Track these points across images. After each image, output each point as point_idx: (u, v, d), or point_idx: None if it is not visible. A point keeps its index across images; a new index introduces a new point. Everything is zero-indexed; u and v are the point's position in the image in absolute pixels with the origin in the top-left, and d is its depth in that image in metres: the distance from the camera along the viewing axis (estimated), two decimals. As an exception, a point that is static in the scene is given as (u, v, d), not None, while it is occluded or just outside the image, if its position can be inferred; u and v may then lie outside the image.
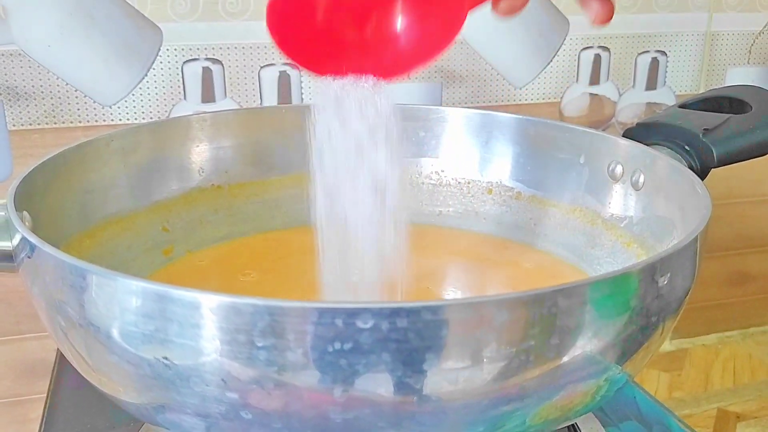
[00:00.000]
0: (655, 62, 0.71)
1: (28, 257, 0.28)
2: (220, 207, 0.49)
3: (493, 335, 0.23)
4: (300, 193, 0.52)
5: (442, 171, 0.52)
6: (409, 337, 0.22)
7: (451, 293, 0.41)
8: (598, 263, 0.43)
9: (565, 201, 0.47)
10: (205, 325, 0.23)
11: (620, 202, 0.44)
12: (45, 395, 0.45)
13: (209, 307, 0.23)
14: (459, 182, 0.52)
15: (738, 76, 0.75)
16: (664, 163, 0.41)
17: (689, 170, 0.39)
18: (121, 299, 0.24)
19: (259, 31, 0.60)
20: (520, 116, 0.50)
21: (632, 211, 0.43)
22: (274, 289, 0.41)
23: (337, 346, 0.22)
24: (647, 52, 0.71)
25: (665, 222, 0.39)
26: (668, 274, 0.27)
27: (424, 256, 0.47)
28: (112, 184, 0.43)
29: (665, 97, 0.72)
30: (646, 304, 0.26)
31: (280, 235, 0.49)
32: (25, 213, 0.33)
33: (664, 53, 0.71)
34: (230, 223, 0.49)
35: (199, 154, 0.49)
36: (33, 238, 0.27)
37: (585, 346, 0.25)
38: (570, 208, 0.47)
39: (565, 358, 0.25)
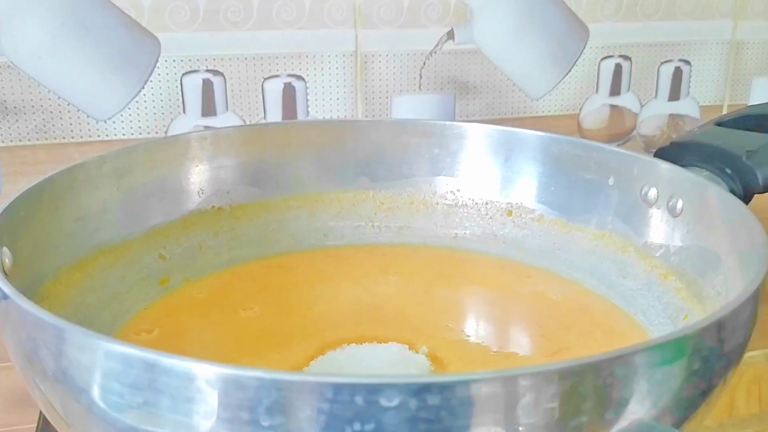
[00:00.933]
0: (678, 72, 0.68)
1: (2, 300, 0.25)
2: (221, 230, 0.46)
3: (543, 412, 0.19)
4: (306, 214, 0.49)
5: (458, 191, 0.49)
6: (442, 416, 0.19)
7: (473, 332, 0.38)
8: (631, 296, 0.40)
9: (593, 226, 0.44)
10: (202, 400, 0.19)
11: (655, 229, 0.40)
12: (35, 425, 0.41)
13: (206, 380, 0.19)
14: (476, 203, 0.49)
15: (764, 87, 0.71)
16: (707, 188, 0.37)
17: (735, 197, 0.35)
18: (104, 365, 0.21)
19: (263, 41, 0.56)
20: (543, 133, 0.46)
21: (669, 240, 0.39)
22: (277, 327, 0.38)
23: (357, 427, 0.19)
24: (670, 61, 0.67)
25: (708, 254, 0.36)
26: (732, 328, 0.24)
27: (440, 284, 0.44)
28: (104, 209, 0.40)
29: (689, 108, 0.69)
30: (710, 363, 0.23)
31: (285, 260, 0.46)
32: (4, 249, 0.30)
33: (687, 62, 0.68)
34: (231, 248, 0.46)
35: (199, 174, 0.46)
36: (5, 286, 0.24)
37: (639, 414, 0.22)
38: (598, 234, 0.44)
39: (615, 430, 0.22)
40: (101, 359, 0.21)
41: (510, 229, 0.47)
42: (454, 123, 0.49)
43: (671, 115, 0.68)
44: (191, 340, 0.37)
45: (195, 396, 0.19)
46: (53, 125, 0.54)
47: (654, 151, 0.67)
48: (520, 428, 0.20)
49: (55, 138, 0.55)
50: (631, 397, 0.21)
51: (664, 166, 0.40)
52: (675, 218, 0.39)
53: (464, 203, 0.49)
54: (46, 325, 0.22)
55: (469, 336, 0.37)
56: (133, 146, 0.42)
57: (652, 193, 0.41)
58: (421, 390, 0.18)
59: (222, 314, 0.39)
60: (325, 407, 0.19)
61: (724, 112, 0.72)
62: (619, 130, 0.67)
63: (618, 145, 0.67)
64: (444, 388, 0.19)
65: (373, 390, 0.18)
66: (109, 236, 0.40)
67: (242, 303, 0.40)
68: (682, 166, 0.41)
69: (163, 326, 0.38)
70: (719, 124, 0.44)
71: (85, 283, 0.38)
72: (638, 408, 0.21)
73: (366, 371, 0.32)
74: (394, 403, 0.18)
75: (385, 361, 0.33)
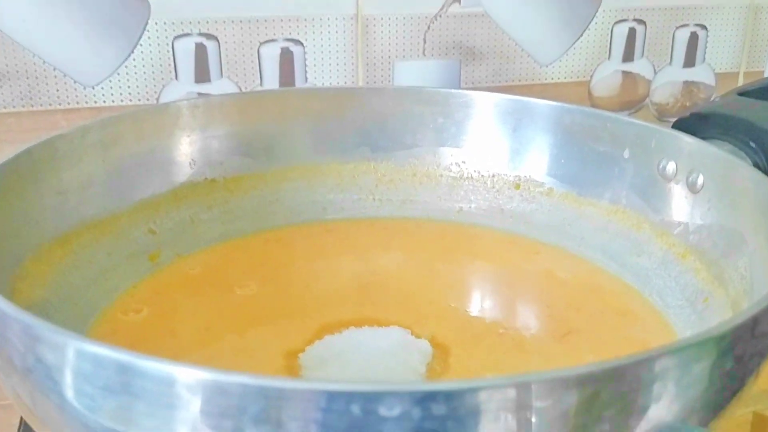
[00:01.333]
0: (694, 37, 0.64)
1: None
2: (214, 203, 0.44)
3: (561, 421, 0.17)
4: (304, 187, 0.47)
5: (464, 162, 0.47)
6: (449, 427, 0.17)
7: (478, 313, 0.36)
8: (646, 275, 0.38)
9: (605, 201, 0.42)
10: (182, 407, 0.17)
11: (673, 205, 0.38)
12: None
13: (186, 385, 0.17)
14: (482, 175, 0.46)
15: (783, 53, 0.68)
16: (730, 162, 0.35)
17: (761, 173, 0.33)
18: (74, 365, 0.19)
19: (259, 3, 0.53)
20: (555, 103, 0.44)
21: (688, 217, 0.37)
22: (274, 307, 0.36)
23: (354, 437, 0.17)
24: (686, 26, 0.64)
25: (731, 233, 0.34)
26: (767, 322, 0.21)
27: (444, 260, 0.41)
28: (88, 182, 0.38)
29: (704, 75, 0.66)
30: (743, 361, 0.21)
31: (282, 234, 0.44)
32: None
33: (704, 27, 0.65)
34: (226, 222, 0.44)
35: (191, 144, 0.43)
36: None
37: (666, 417, 0.20)
38: (611, 209, 0.41)
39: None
40: (71, 358, 0.19)
41: (518, 204, 0.45)
42: (460, 91, 0.47)
43: (686, 83, 0.65)
44: (182, 321, 0.35)
45: (174, 402, 0.17)
46: (39, 91, 0.52)
47: (669, 120, 0.64)
48: (537, 436, 0.18)
49: (41, 105, 0.52)
50: (659, 402, 0.19)
51: (685, 139, 0.37)
52: (695, 194, 0.37)
53: (470, 175, 0.46)
54: (10, 320, 0.20)
55: (473, 317, 0.35)
56: (119, 115, 0.39)
57: (671, 167, 0.38)
58: (425, 398, 0.16)
59: (216, 292, 0.37)
60: (317, 417, 0.17)
61: (741, 79, 0.69)
62: (632, 97, 0.64)
63: (630, 114, 0.64)
64: (451, 396, 0.17)
65: (372, 398, 0.16)
66: (95, 210, 0.38)
67: (237, 280, 0.38)
68: (703, 138, 0.38)
69: (153, 305, 0.36)
70: (742, 93, 0.41)
71: (68, 260, 0.36)
72: (665, 412, 0.19)
73: (365, 358, 0.30)
74: (395, 412, 0.16)
75: (386, 347, 0.31)
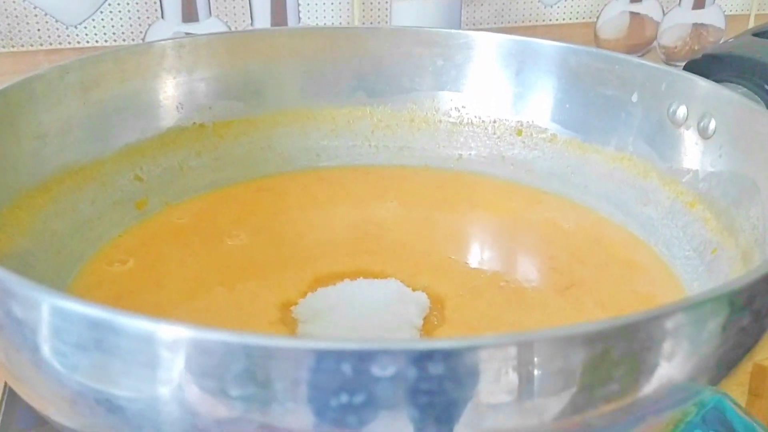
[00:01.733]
0: (705, -24, 0.62)
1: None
2: (204, 149, 0.42)
3: (565, 381, 0.16)
4: (297, 133, 0.45)
5: (464, 107, 0.45)
6: (447, 388, 0.15)
7: (478, 265, 0.34)
8: (652, 225, 0.37)
9: (611, 147, 0.40)
10: (159, 366, 0.16)
11: (682, 151, 0.36)
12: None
13: (164, 343, 0.16)
14: (483, 121, 0.44)
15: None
16: (744, 106, 0.33)
17: (777, 117, 0.31)
18: (46, 321, 0.17)
19: (248, -64, 0.50)
20: (560, 43, 0.42)
21: (698, 164, 0.35)
22: (265, 259, 0.34)
23: (344, 399, 0.15)
24: (697, -36, 0.61)
25: (743, 181, 0.32)
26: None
27: (443, 210, 0.40)
28: (69, 126, 0.36)
29: (714, 17, 0.63)
30: (760, 317, 0.20)
31: (274, 182, 0.42)
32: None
33: (716, -34, 0.62)
34: (215, 169, 0.42)
35: (177, 86, 0.41)
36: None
37: (674, 375, 0.19)
38: (617, 156, 0.40)
39: (646, 391, 0.18)
40: (42, 314, 0.17)
41: (519, 150, 0.43)
42: (460, 31, 0.44)
43: (695, 25, 0.63)
44: (170, 272, 0.34)
45: (151, 361, 0.16)
46: (20, 31, 0.49)
47: (676, 64, 0.62)
48: (538, 400, 0.16)
49: (22, 45, 0.50)
50: (670, 361, 0.18)
51: (697, 82, 0.36)
52: (706, 140, 0.35)
53: (470, 121, 0.45)
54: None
55: (473, 269, 0.34)
56: (99, 55, 0.37)
57: (681, 111, 0.36)
58: (421, 357, 0.15)
59: (205, 243, 0.36)
60: (307, 377, 0.15)
61: (752, 21, 0.66)
62: (639, 40, 0.61)
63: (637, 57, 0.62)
64: (449, 355, 0.15)
65: (364, 357, 0.15)
66: (77, 156, 0.36)
67: (227, 230, 0.37)
68: (716, 81, 0.36)
69: (139, 256, 0.35)
70: (757, 34, 0.39)
71: (49, 208, 0.34)
72: (677, 371, 0.18)
73: (360, 311, 0.29)
74: (389, 372, 0.15)
75: (381, 300, 0.30)
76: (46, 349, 0.18)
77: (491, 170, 0.44)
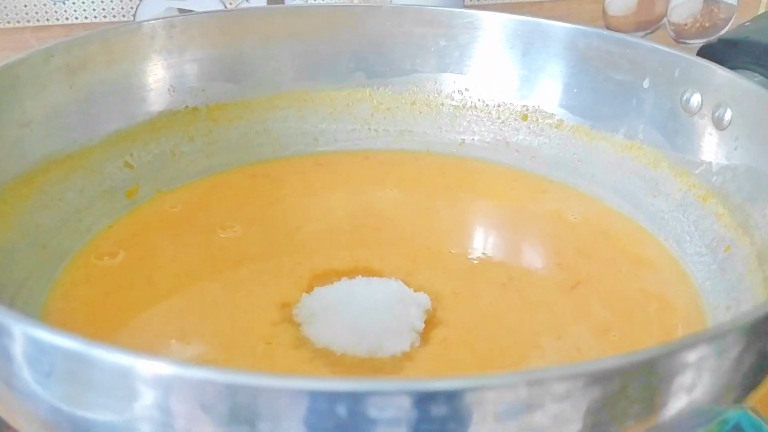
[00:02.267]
0: (719, -50, 0.59)
1: None
2: (197, 134, 0.40)
3: (580, 421, 0.15)
4: (294, 116, 0.43)
5: (467, 90, 0.43)
6: (450, 429, 0.14)
7: (480, 261, 0.33)
8: (662, 218, 0.35)
9: (620, 135, 0.38)
10: (139, 401, 0.15)
11: (695, 142, 0.35)
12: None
13: (144, 379, 0.15)
14: (487, 105, 0.43)
15: (813, -33, 0.63)
16: (762, 96, 0.31)
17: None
18: (17, 347, 0.16)
19: None
20: (569, 25, 0.40)
21: (712, 156, 0.34)
22: (261, 252, 0.33)
23: (340, 441, 0.14)
24: (711, -64, 0.59)
25: (759, 176, 0.31)
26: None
27: (445, 199, 0.38)
28: (55, 112, 0.34)
29: (727, -8, 0.61)
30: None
31: (270, 168, 0.41)
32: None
33: (730, -62, 0.59)
34: (209, 154, 0.41)
35: (168, 68, 0.39)
36: None
37: (696, 402, 0.17)
38: (626, 145, 0.38)
39: (666, 419, 0.17)
40: (16, 341, 0.16)
41: (524, 136, 0.42)
42: (464, 10, 0.43)
43: (706, 2, 0.61)
44: (161, 267, 0.32)
45: (130, 395, 0.15)
46: (5, 7, 0.47)
47: (686, 42, 0.60)
48: (551, 437, 0.15)
49: (8, 22, 0.48)
50: (686, 388, 0.17)
51: (713, 69, 0.34)
52: (721, 131, 0.33)
53: (473, 105, 0.43)
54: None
55: (475, 265, 0.33)
56: (86, 36, 0.35)
57: (695, 99, 0.35)
58: (423, 399, 0.14)
59: (198, 234, 0.35)
60: (294, 417, 0.14)
61: (765, 1, 0.64)
62: (649, 17, 0.59)
63: (646, 35, 0.60)
64: (453, 396, 0.14)
65: (359, 398, 0.14)
66: (63, 143, 0.35)
67: (221, 220, 0.35)
68: (731, 68, 0.34)
69: (130, 248, 0.33)
70: (778, 16, 0.37)
71: (35, 199, 0.33)
72: (691, 397, 0.17)
73: (359, 312, 0.28)
74: (388, 414, 0.14)
75: (382, 300, 0.28)
76: (18, 374, 0.17)
77: (495, 156, 0.42)
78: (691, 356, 0.16)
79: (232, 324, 0.29)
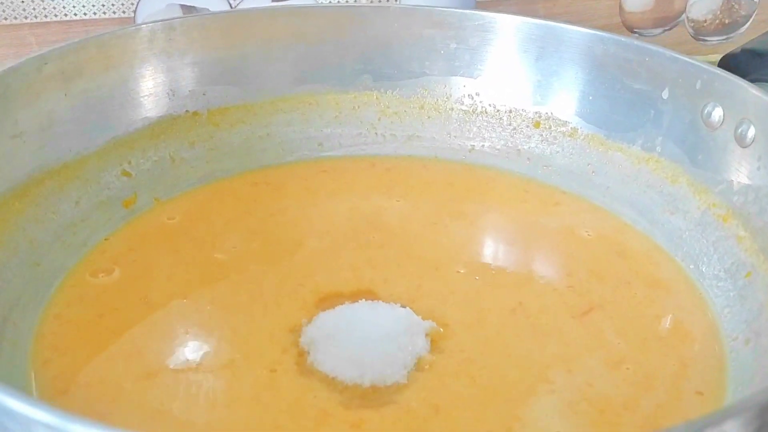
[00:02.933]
0: (741, -57, 0.57)
1: None
2: (197, 139, 0.39)
3: None
4: (298, 119, 0.42)
5: (477, 95, 0.41)
6: None
7: (489, 283, 0.31)
8: (680, 237, 0.34)
9: (637, 146, 0.37)
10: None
11: (717, 158, 0.33)
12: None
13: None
14: (498, 110, 0.41)
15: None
16: (789, 115, 0.30)
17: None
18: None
19: None
20: (586, 30, 0.38)
21: (733, 174, 0.32)
22: (262, 272, 0.32)
23: None
24: (734, -71, 0.56)
25: (785, 200, 0.29)
26: None
27: (453, 211, 0.37)
28: (49, 121, 0.33)
29: (749, -13, 0.59)
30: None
31: (273, 175, 0.40)
32: None
33: (754, -69, 0.57)
34: (210, 160, 0.39)
35: (168, 72, 0.38)
36: None
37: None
38: (643, 157, 0.37)
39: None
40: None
41: (537, 144, 0.40)
42: (476, 12, 0.41)
43: (728, -3, 0.58)
44: (159, 287, 0.31)
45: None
46: (3, 3, 0.46)
47: (705, 40, 0.58)
48: None
49: (5, 18, 0.46)
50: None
51: (737, 82, 0.32)
52: (744, 148, 0.32)
53: (484, 110, 0.41)
54: None
55: (482, 288, 0.31)
56: (81, 42, 0.34)
57: (717, 113, 0.33)
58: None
59: (197, 250, 0.33)
60: None
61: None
62: (667, 13, 0.57)
63: (664, 32, 0.58)
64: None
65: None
66: (58, 154, 0.33)
67: (221, 234, 0.34)
68: (755, 80, 0.33)
69: (126, 264, 0.32)
70: (806, 24, 0.35)
71: (28, 213, 0.32)
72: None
73: (362, 340, 0.27)
74: None
75: (386, 329, 0.27)
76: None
77: (505, 164, 0.41)
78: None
79: (233, 350, 0.28)
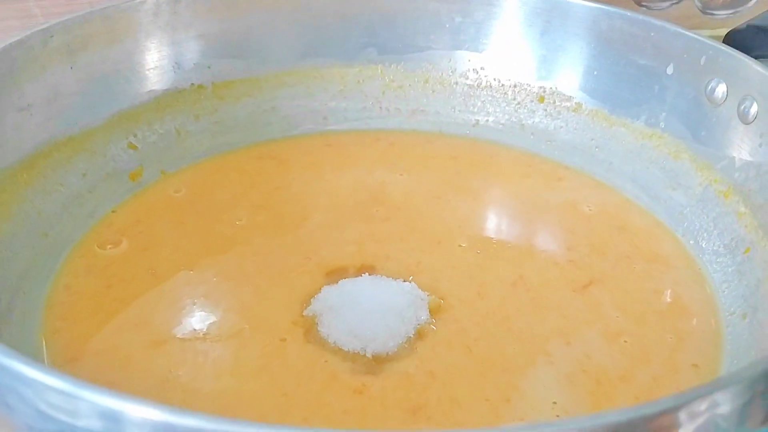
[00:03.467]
0: None
1: None
2: (203, 112, 0.39)
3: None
4: (302, 93, 0.42)
5: (482, 69, 0.41)
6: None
7: (490, 256, 0.32)
8: (681, 212, 0.34)
9: (641, 122, 0.37)
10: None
11: (719, 134, 0.33)
12: None
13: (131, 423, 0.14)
14: (503, 85, 0.41)
15: None
16: (792, 92, 0.30)
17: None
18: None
19: None
20: (592, 4, 0.38)
21: (735, 151, 0.32)
22: (266, 245, 0.32)
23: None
24: None
25: (786, 177, 0.29)
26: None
27: (456, 183, 0.37)
28: (55, 94, 0.33)
29: (759, -40, 0.58)
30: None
31: (277, 148, 0.40)
32: None
33: None
34: (215, 133, 0.40)
35: (173, 45, 0.38)
36: None
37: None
38: (646, 132, 0.37)
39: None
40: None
41: (541, 119, 0.40)
42: (482, -15, 0.41)
43: (737, -31, 0.58)
44: (166, 258, 0.31)
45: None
46: (6, -28, 0.46)
47: (713, 14, 0.58)
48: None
49: (10, -12, 0.46)
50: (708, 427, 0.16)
51: (741, 59, 0.32)
52: (746, 125, 0.32)
53: (488, 84, 0.41)
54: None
55: (484, 261, 0.32)
56: (86, 14, 0.34)
57: (721, 90, 0.33)
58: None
59: (203, 222, 0.34)
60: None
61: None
62: (675, -14, 0.57)
63: (671, 5, 0.57)
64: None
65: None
66: (64, 126, 0.34)
67: (226, 207, 0.35)
68: (761, 57, 0.33)
69: (133, 236, 0.33)
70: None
71: (35, 185, 0.32)
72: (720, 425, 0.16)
73: (363, 318, 0.27)
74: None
75: (389, 303, 0.28)
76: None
77: (509, 139, 0.41)
78: (698, 406, 0.15)
79: (241, 320, 0.28)
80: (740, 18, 0.55)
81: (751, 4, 0.59)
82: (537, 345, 0.27)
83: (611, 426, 0.14)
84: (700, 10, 0.58)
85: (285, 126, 0.41)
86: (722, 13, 0.59)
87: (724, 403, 0.15)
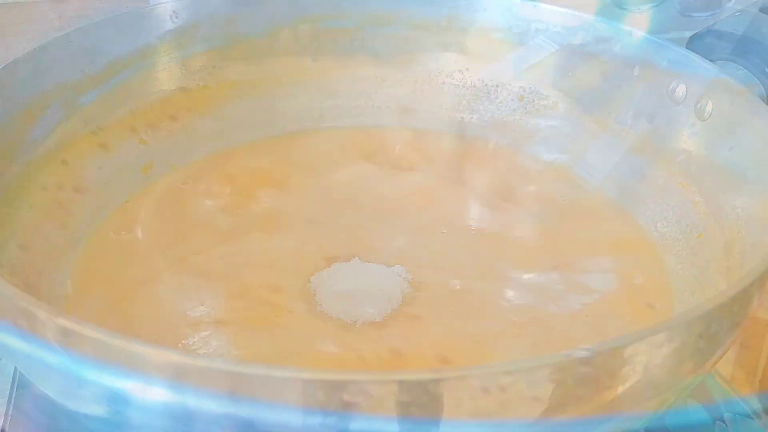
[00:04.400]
0: None
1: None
2: (208, 111, 0.43)
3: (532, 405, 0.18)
4: (299, 93, 0.45)
5: (467, 69, 0.45)
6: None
7: (468, 243, 0.35)
8: (644, 202, 0.37)
9: (611, 119, 0.40)
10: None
11: (679, 131, 0.36)
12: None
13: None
14: (486, 84, 0.44)
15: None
16: (740, 94, 0.33)
17: (770, 107, 0.31)
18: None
19: None
20: (566, 10, 0.41)
21: (692, 146, 0.36)
22: (264, 234, 0.36)
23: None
24: None
25: (732, 170, 0.33)
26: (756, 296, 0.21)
27: (443, 175, 0.41)
28: (75, 94, 0.37)
29: (735, -36, 0.61)
30: (716, 340, 0.21)
31: (276, 144, 0.43)
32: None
33: None
34: (219, 130, 0.43)
35: (181, 48, 0.41)
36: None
37: (652, 380, 0.20)
38: (616, 129, 0.40)
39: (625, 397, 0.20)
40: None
41: (520, 117, 0.44)
42: (466, -8, 0.44)
43: (714, -27, 0.61)
44: (174, 243, 0.35)
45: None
46: (23, -21, 0.49)
47: (693, 16, 0.60)
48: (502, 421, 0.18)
49: (26, -6, 0.49)
50: (644, 373, 0.19)
51: (697, 61, 0.35)
52: (703, 122, 0.35)
53: (473, 84, 0.45)
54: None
55: (462, 246, 0.35)
56: (101, 21, 0.37)
57: (681, 90, 0.36)
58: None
59: (209, 215, 0.37)
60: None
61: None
62: (654, -10, 0.60)
63: (652, 8, 0.60)
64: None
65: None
66: (82, 124, 0.37)
67: (229, 199, 0.38)
68: (718, 60, 0.36)
69: (145, 224, 0.36)
70: (765, 10, 0.38)
71: (56, 178, 0.35)
72: (654, 377, 0.20)
73: (354, 294, 0.31)
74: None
75: (374, 281, 0.31)
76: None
77: (493, 135, 0.44)
78: (636, 348, 0.18)
79: (249, 299, 0.31)
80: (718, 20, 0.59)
81: (728, 5, 0.62)
82: (507, 319, 0.31)
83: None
84: (680, 13, 0.61)
85: (283, 123, 0.44)
86: (700, 15, 0.62)
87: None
